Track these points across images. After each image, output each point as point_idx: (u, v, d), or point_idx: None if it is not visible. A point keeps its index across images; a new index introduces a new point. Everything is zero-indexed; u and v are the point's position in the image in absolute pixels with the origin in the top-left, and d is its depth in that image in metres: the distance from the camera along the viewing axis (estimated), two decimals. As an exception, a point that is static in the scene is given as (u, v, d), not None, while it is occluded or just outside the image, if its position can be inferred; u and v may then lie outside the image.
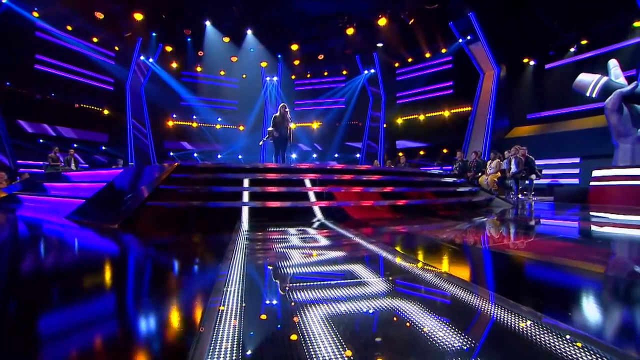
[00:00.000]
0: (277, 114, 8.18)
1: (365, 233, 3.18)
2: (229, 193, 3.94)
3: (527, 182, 9.56)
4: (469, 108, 15.59)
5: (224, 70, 20.00)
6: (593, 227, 4.27)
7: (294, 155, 17.64)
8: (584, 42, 13.14)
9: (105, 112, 16.49)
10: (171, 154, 19.56)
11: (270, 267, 1.96)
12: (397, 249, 2.59)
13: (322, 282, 1.60)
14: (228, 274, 1.70)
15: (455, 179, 6.12)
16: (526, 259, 2.35)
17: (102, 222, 3.43)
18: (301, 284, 1.61)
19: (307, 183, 4.24)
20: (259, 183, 4.15)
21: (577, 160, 11.63)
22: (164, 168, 4.08)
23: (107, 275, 1.99)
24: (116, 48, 16.02)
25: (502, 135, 14.62)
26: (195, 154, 19.96)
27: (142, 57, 16.88)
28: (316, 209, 3.84)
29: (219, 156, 20.28)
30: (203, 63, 19.02)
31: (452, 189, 5.58)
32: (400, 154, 14.98)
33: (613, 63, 9.32)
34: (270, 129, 8.31)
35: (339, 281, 1.60)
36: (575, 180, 11.60)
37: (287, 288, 1.51)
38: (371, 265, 2.01)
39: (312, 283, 1.61)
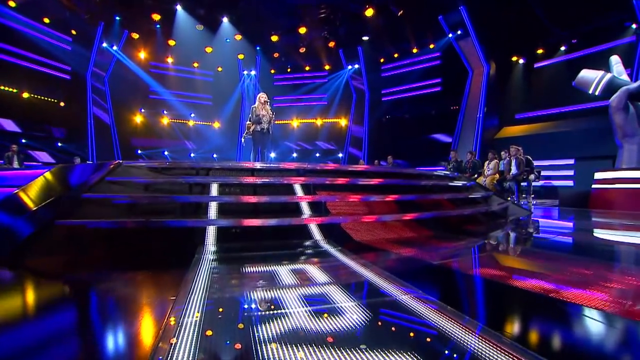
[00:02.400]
0: (256, 104, 7.05)
1: (399, 272, 2.11)
2: (190, 205, 2.89)
3: (524, 184, 8.92)
4: (457, 106, 15.00)
5: (198, 62, 18.51)
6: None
7: (272, 155, 16.49)
8: (574, 40, 12.80)
9: (62, 104, 14.68)
10: (139, 152, 17.90)
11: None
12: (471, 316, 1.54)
13: None
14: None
15: (464, 181, 5.23)
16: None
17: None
18: None
19: (299, 190, 3.19)
20: (232, 190, 3.09)
21: (571, 161, 11.20)
22: (100, 168, 2.91)
23: None
24: (73, 32, 14.22)
25: (491, 135, 14.10)
26: (166, 152, 18.38)
27: (104, 44, 15.16)
28: (313, 228, 2.82)
29: (192, 155, 18.80)
30: (174, 53, 17.46)
31: (465, 195, 4.67)
32: (387, 154, 14.19)
33: (615, 59, 8.86)
34: (248, 122, 7.17)
35: None
36: (570, 182, 11.15)
37: None
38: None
39: None
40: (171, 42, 16.46)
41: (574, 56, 12.83)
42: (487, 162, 9.39)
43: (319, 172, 3.64)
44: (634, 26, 11.41)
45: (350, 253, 2.38)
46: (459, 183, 5.07)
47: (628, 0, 10.89)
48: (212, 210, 2.77)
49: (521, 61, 14.15)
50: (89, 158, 15.20)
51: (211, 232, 2.51)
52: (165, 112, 18.51)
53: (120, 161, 3.08)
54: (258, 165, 3.58)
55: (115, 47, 15.59)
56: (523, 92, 14.22)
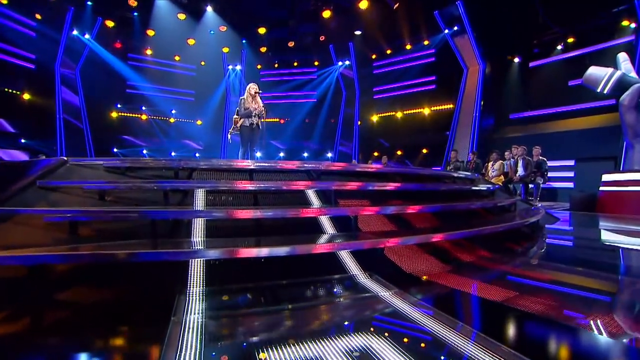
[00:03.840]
0: (245, 95, 6.22)
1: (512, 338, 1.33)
2: (165, 224, 2.03)
3: (531, 186, 8.43)
4: (452, 105, 14.54)
5: (179, 56, 17.38)
6: None
7: (258, 154, 15.58)
8: (570, 40, 12.51)
9: (26, 96, 13.32)
10: (115, 150, 16.64)
11: None
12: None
13: None
14: None
15: (488, 185, 4.57)
16: None
17: None
18: None
19: (313, 199, 2.40)
20: (225, 199, 2.31)
21: (571, 162, 10.84)
22: (29, 167, 2.05)
23: None
24: (37, 16, 12.88)
25: (487, 135, 13.68)
26: (145, 151, 17.17)
27: (74, 32, 13.87)
28: (344, 257, 1.95)
29: (173, 154, 17.66)
30: (154, 45, 16.28)
31: (493, 203, 3.98)
32: (376, 153, 13.56)
33: (623, 56, 8.49)
34: (235, 116, 6.33)
35: None
36: (570, 184, 10.79)
37: None
38: None
39: None
40: (150, 32, 15.30)
41: (571, 55, 12.54)
42: (491, 162, 8.85)
43: (341, 174, 2.85)
44: (632, 25, 11.17)
45: (415, 297, 1.62)
46: (483, 187, 4.40)
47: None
48: (198, 232, 1.96)
49: (517, 60, 13.79)
50: (57, 156, 13.90)
51: (196, 268, 1.67)
52: (144, 108, 17.29)
53: (66, 158, 2.24)
54: (256, 164, 2.78)
55: (87, 36, 14.32)
56: (519, 91, 13.86)
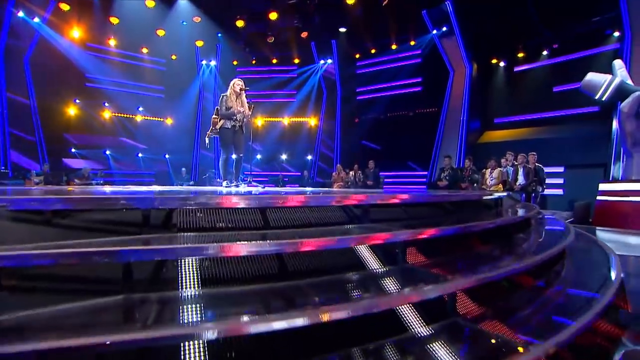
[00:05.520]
0: (229, 92, 5.27)
1: None
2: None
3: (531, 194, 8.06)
4: (438, 108, 14.18)
5: (147, 48, 15.87)
6: None
7: (247, 165, 14.53)
8: (555, 46, 12.46)
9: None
10: (73, 150, 14.94)
11: None
12: None
13: None
14: None
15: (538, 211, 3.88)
16: None
17: None
18: None
19: (369, 261, 1.52)
20: (228, 274, 1.41)
21: (561, 169, 10.68)
22: None
23: None
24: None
25: (474, 139, 13.41)
26: (107, 152, 15.54)
27: (20, 14, 12.11)
28: None
29: (140, 155, 16.15)
30: (118, 34, 14.70)
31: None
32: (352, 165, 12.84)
33: (619, 64, 8.32)
34: (214, 116, 5.36)
35: None
36: (559, 191, 10.63)
37: None
38: None
39: None
40: (113, 20, 13.74)
41: (555, 61, 12.51)
42: (490, 170, 8.40)
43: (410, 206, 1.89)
44: (616, 34, 11.21)
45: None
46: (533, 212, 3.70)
47: (611, 8, 10.64)
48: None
49: (502, 64, 13.63)
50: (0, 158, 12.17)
51: None
52: (107, 104, 15.61)
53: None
54: (269, 200, 1.82)
55: (37, 20, 12.58)
56: (503, 95, 13.73)
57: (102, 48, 14.94)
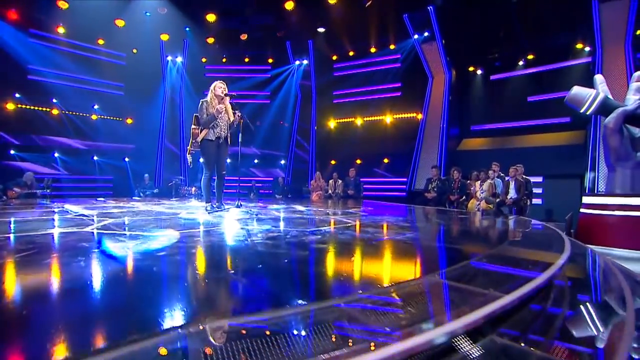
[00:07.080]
0: (209, 97, 4.44)
1: None
2: None
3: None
4: (416, 114, 14.01)
5: (104, 39, 14.24)
6: None
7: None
8: (530, 56, 12.70)
9: None
10: (12, 152, 13.03)
11: None
12: None
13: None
14: None
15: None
16: None
17: None
18: None
19: None
20: None
21: (539, 179, 10.78)
22: None
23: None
24: None
25: (452, 147, 13.35)
26: (56, 154, 13.72)
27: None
28: None
29: (95, 157, 14.47)
30: (68, 21, 12.99)
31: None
32: (333, 161, 12.39)
33: (600, 79, 8.40)
34: (194, 127, 4.51)
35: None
36: (538, 201, 10.73)
37: None
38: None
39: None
40: (62, 4, 12.07)
41: (530, 72, 12.77)
42: (479, 182, 8.16)
43: None
44: (587, 49, 11.58)
45: None
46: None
47: (584, 22, 10.95)
48: None
49: (479, 72, 13.73)
50: None
51: None
52: (54, 100, 13.78)
53: None
54: None
55: (-33, 1, 10.75)
56: (480, 103, 13.84)
57: (47, 36, 13.13)
